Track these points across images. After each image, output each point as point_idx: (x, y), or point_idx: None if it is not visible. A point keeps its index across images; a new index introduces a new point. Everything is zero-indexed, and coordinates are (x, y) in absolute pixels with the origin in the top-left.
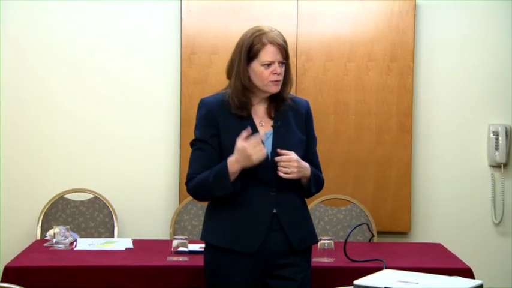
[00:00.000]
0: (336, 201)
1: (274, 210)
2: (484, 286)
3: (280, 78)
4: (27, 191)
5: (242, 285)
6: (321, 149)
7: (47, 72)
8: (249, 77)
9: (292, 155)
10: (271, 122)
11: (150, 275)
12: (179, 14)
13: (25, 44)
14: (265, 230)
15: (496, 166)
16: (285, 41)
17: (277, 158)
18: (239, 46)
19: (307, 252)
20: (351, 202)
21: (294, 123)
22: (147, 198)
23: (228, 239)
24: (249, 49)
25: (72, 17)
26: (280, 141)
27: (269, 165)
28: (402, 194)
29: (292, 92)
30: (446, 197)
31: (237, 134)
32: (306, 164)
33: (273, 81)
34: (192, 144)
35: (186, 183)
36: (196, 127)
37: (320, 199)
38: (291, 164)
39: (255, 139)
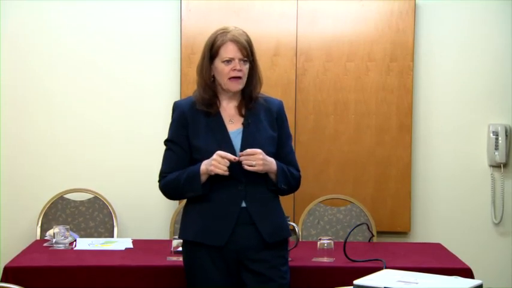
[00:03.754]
0: (336, 201)
1: (244, 204)
2: (483, 286)
3: (240, 74)
4: (27, 191)
5: (217, 280)
6: (320, 149)
7: (47, 72)
8: (213, 75)
9: (257, 150)
10: (241, 120)
11: (150, 275)
12: (179, 14)
13: (25, 44)
14: (233, 223)
15: (496, 166)
16: (248, 41)
17: (242, 152)
18: (205, 45)
19: (282, 247)
20: (351, 202)
21: (266, 121)
22: (146, 198)
23: (198, 233)
24: (211, 47)
25: (72, 17)
26: (249, 138)
27: (237, 161)
28: (402, 194)
29: (292, 92)
30: (446, 197)
31: (206, 132)
32: (271, 159)
33: (232, 77)
34: (164, 143)
35: (158, 181)
36: (170, 128)
37: (320, 199)
38: (256, 156)
39: (228, 156)
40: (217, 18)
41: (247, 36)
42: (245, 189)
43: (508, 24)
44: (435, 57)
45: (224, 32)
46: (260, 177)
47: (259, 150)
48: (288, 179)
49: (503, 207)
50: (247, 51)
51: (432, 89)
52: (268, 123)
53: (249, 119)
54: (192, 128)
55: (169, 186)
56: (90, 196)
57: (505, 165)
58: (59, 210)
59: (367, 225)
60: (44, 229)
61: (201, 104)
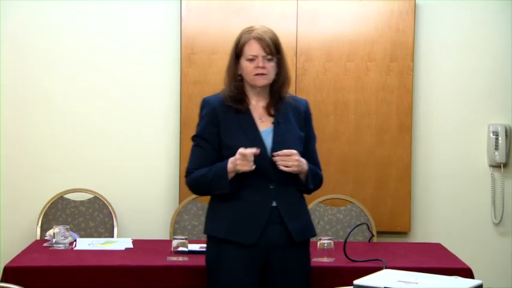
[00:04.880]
0: (336, 201)
1: (274, 203)
2: (483, 286)
3: (265, 71)
4: (27, 191)
5: (241, 277)
6: (320, 149)
7: (47, 72)
8: (240, 74)
9: (293, 151)
10: (271, 119)
11: (150, 275)
12: (179, 14)
13: (25, 44)
14: (264, 222)
15: (496, 166)
16: (272, 39)
17: (277, 152)
18: (233, 45)
19: (306, 246)
20: (351, 202)
21: (294, 120)
22: (146, 198)
23: (227, 230)
24: (236, 45)
25: (72, 17)
26: (280, 137)
27: (269, 160)
28: (402, 193)
29: (292, 91)
30: (446, 197)
31: (237, 130)
32: (304, 160)
33: (257, 74)
34: (192, 139)
35: (185, 177)
36: (198, 124)
37: (320, 199)
38: (292, 157)
39: (251, 151)
40: (217, 18)
41: (272, 33)
42: (276, 188)
43: (508, 24)
44: (435, 57)
45: (249, 30)
46: (290, 177)
47: (295, 152)
48: (315, 178)
49: (503, 207)
50: (271, 49)
51: (432, 89)
52: (296, 122)
53: (279, 118)
54: (223, 125)
55: (196, 183)
56: (90, 196)
57: (505, 165)
58: (59, 210)
59: (367, 225)
60: (44, 229)
61: (230, 100)
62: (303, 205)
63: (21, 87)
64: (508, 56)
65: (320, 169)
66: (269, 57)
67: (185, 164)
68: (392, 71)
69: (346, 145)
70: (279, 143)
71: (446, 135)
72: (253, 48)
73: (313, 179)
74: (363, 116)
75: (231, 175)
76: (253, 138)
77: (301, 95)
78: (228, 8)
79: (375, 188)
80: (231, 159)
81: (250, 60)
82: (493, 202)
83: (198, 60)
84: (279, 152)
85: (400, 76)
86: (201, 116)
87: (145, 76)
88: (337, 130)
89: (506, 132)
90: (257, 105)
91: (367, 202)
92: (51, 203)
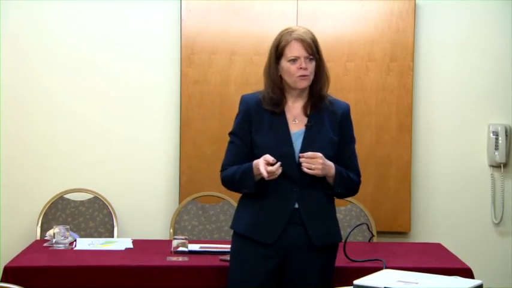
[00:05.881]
0: (336, 201)
1: (296, 205)
2: (483, 286)
3: (307, 73)
4: (27, 191)
5: (258, 275)
6: None
7: (47, 72)
8: (280, 76)
9: (317, 153)
10: (305, 121)
11: (150, 275)
12: (179, 14)
13: (25, 44)
14: (285, 222)
15: (496, 166)
16: (312, 39)
17: (302, 154)
18: (271, 46)
19: (330, 251)
20: (351, 202)
21: (328, 124)
22: (146, 198)
23: (248, 228)
24: (276, 47)
25: (72, 17)
26: (310, 140)
27: (296, 162)
28: (402, 193)
29: None
30: (446, 197)
31: (269, 130)
32: (330, 163)
33: (300, 76)
34: (229, 135)
35: (220, 171)
36: (235, 121)
37: None
38: (316, 160)
39: (271, 169)
40: (217, 18)
41: (312, 34)
42: (299, 190)
43: (508, 24)
44: (435, 57)
45: (289, 31)
46: (316, 181)
47: (319, 154)
48: (346, 183)
49: (503, 207)
50: (313, 49)
51: (432, 89)
52: (330, 126)
53: (312, 120)
54: (255, 124)
55: (227, 180)
56: (90, 196)
57: (505, 165)
58: (59, 210)
59: (367, 225)
60: (44, 229)
61: (269, 104)
62: (329, 210)
63: (21, 87)
64: (508, 56)
65: (358, 174)
66: (311, 57)
67: (185, 164)
68: (392, 71)
69: None
70: (308, 146)
71: (446, 135)
72: (294, 49)
73: (342, 183)
74: (363, 116)
75: (258, 177)
76: (283, 139)
77: None
78: (228, 8)
79: (375, 188)
80: (255, 163)
81: (292, 61)
82: (493, 202)
83: (198, 60)
84: (304, 154)
85: (400, 76)
86: (237, 113)
87: (145, 76)
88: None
89: (506, 132)
90: (293, 106)
91: (367, 202)
92: (51, 203)
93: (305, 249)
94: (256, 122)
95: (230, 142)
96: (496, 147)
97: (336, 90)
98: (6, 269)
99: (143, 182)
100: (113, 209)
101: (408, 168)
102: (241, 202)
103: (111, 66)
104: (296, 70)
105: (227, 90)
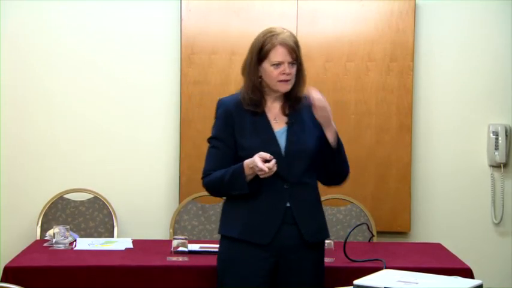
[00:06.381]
0: (336, 201)
1: (288, 204)
2: (483, 286)
3: (289, 78)
4: (27, 191)
5: (253, 277)
6: None
7: (47, 72)
8: (260, 76)
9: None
10: (285, 119)
11: (150, 275)
12: (179, 14)
13: (25, 44)
14: (279, 222)
15: (496, 166)
16: (296, 42)
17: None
18: (252, 46)
19: (320, 248)
20: (351, 202)
21: (309, 120)
22: (147, 198)
23: (241, 230)
24: (260, 49)
25: (72, 17)
26: (293, 136)
27: (283, 160)
28: (402, 193)
29: None
30: (446, 197)
31: (252, 131)
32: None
33: (281, 80)
34: (208, 141)
35: (202, 178)
36: (214, 125)
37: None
38: (326, 105)
39: (269, 166)
40: (217, 18)
41: (295, 38)
42: (290, 188)
43: (508, 24)
44: (435, 57)
45: (274, 34)
46: (306, 178)
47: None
48: (343, 151)
49: (503, 207)
50: (296, 54)
51: (432, 89)
52: (312, 121)
53: (293, 118)
54: (238, 126)
55: (213, 184)
56: (90, 196)
57: (505, 165)
58: (59, 210)
59: (367, 225)
60: (44, 229)
61: (249, 104)
62: (318, 206)
63: (21, 87)
64: (508, 56)
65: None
66: (294, 62)
67: (185, 164)
68: (392, 71)
69: (346, 145)
70: (293, 143)
71: (446, 135)
72: (279, 54)
73: (341, 145)
74: (363, 116)
75: (249, 177)
76: (267, 138)
77: None
78: (228, 8)
79: (375, 188)
80: (247, 163)
81: (276, 65)
82: (493, 202)
83: (198, 60)
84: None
85: (400, 76)
86: (216, 117)
87: (145, 76)
88: (337, 130)
89: (506, 132)
90: (272, 106)
91: (367, 202)
92: (51, 203)
93: (298, 248)
94: (239, 124)
95: (211, 147)
96: (496, 147)
97: (336, 90)
98: (6, 269)
99: (143, 182)
100: (112, 209)
101: (408, 168)
102: (227, 206)
103: (111, 66)
104: (278, 74)
105: (227, 90)
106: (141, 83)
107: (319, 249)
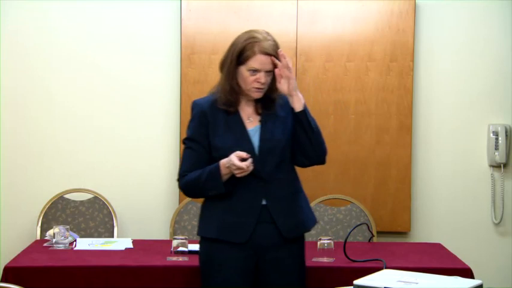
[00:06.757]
0: (336, 201)
1: (264, 202)
2: (483, 286)
3: (263, 86)
4: (27, 191)
5: (234, 278)
6: None
7: (47, 72)
8: (236, 79)
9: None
10: (259, 118)
11: (150, 275)
12: (179, 14)
13: (25, 44)
14: (255, 220)
15: (496, 166)
16: (275, 50)
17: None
18: (232, 47)
19: (299, 243)
20: (351, 202)
21: (282, 115)
22: (147, 198)
23: (218, 230)
24: (239, 53)
25: (72, 17)
26: (267, 134)
27: (257, 158)
28: (402, 194)
29: None
30: (446, 197)
31: (225, 130)
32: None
33: (255, 87)
34: (183, 142)
35: (177, 180)
36: (188, 127)
37: (320, 199)
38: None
39: (246, 164)
40: (217, 18)
41: (275, 42)
42: (265, 186)
43: (508, 24)
44: (435, 57)
45: (256, 41)
46: (281, 173)
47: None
48: (314, 121)
49: (503, 207)
50: (274, 63)
51: (432, 89)
52: (285, 117)
53: (266, 116)
54: (212, 126)
55: (189, 185)
56: (90, 196)
57: (505, 165)
58: (59, 210)
59: (367, 225)
60: (44, 229)
61: (224, 103)
62: (297, 201)
63: (21, 87)
64: (508, 56)
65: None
66: (271, 70)
67: None
68: (392, 71)
69: (346, 145)
70: (266, 140)
71: (446, 135)
72: (258, 62)
73: (314, 122)
74: (363, 116)
75: (225, 177)
76: (241, 137)
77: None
78: (228, 8)
79: (375, 188)
80: (223, 162)
81: (252, 71)
82: (493, 202)
83: (198, 60)
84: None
85: (400, 76)
86: (191, 119)
87: (145, 76)
88: (337, 130)
89: (506, 132)
90: (246, 105)
91: (367, 202)
92: (51, 203)
93: (277, 245)
94: (213, 123)
95: (186, 148)
96: (496, 147)
97: (336, 90)
98: (6, 269)
99: (143, 182)
100: (112, 209)
101: (408, 168)
102: (204, 207)
103: (111, 66)
104: (253, 81)
105: None
106: (141, 83)
107: (299, 245)
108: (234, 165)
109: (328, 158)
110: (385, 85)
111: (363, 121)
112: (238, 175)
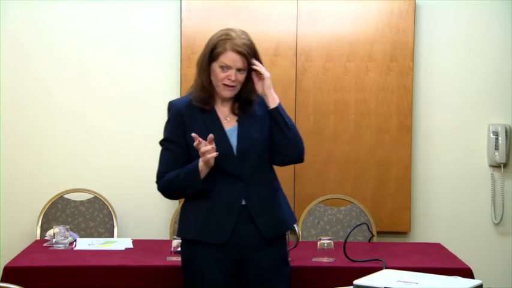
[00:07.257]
0: (336, 201)
1: (243, 202)
2: (483, 286)
3: (234, 84)
4: (27, 191)
5: (217, 280)
6: (321, 149)
7: (47, 72)
8: (209, 75)
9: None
10: (236, 118)
11: (150, 275)
12: (179, 14)
13: (25, 44)
14: (234, 220)
15: (496, 166)
16: (248, 50)
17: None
18: (207, 44)
19: (281, 243)
20: (351, 202)
21: (260, 115)
22: (146, 199)
23: (198, 231)
24: (212, 50)
25: (72, 17)
26: (244, 133)
27: (235, 158)
28: (402, 194)
29: (292, 92)
30: (446, 197)
31: (203, 130)
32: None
33: (225, 84)
34: (160, 143)
35: (156, 182)
36: (165, 128)
37: (320, 199)
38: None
39: (207, 140)
40: (217, 18)
41: (249, 42)
42: (245, 186)
43: (508, 24)
44: (435, 57)
45: (228, 38)
46: (259, 173)
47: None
48: (288, 117)
49: (503, 207)
50: (248, 61)
51: (432, 89)
52: (262, 116)
53: (243, 116)
54: (189, 126)
55: (168, 185)
56: (90, 196)
57: (505, 165)
58: (59, 210)
59: (367, 225)
60: (44, 229)
61: (198, 101)
62: (276, 200)
63: (21, 87)
64: (508, 56)
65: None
66: (243, 69)
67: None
68: (392, 71)
69: (346, 145)
70: (244, 140)
71: (446, 135)
72: (229, 59)
73: (289, 120)
74: (363, 116)
75: (203, 173)
76: (218, 137)
77: (301, 95)
78: (228, 8)
79: (374, 188)
80: (201, 158)
81: (223, 68)
82: (493, 202)
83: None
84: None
85: (400, 76)
86: (168, 120)
87: (145, 76)
88: (337, 130)
89: (506, 132)
90: (222, 105)
91: (367, 202)
92: (51, 203)
93: (258, 245)
94: (190, 123)
95: (164, 149)
96: (496, 147)
97: (336, 90)
98: (6, 269)
99: (143, 182)
100: (112, 209)
101: (408, 168)
102: (184, 209)
103: (111, 66)
104: (223, 78)
105: None
106: (141, 83)
107: (280, 245)
108: (205, 164)
109: (328, 158)
110: (385, 85)
111: (363, 121)
112: (207, 156)
